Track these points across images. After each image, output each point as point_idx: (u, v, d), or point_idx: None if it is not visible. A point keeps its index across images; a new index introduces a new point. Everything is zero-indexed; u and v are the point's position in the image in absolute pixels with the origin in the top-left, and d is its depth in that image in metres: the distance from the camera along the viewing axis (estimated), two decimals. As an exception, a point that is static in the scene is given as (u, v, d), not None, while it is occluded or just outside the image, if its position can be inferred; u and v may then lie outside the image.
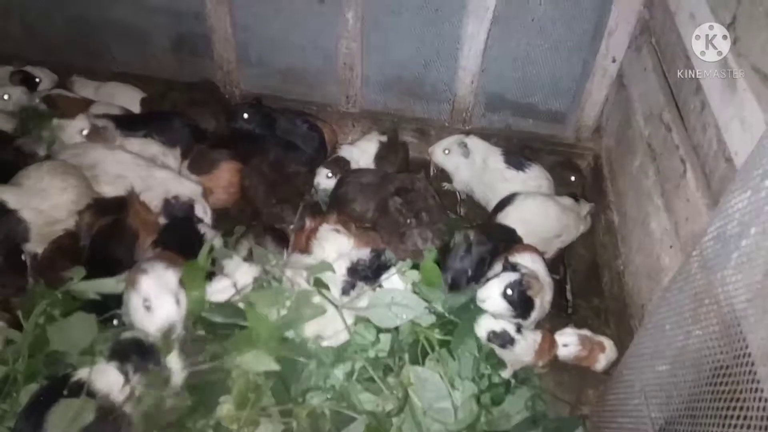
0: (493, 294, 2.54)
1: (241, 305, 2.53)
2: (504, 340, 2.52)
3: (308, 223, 2.94)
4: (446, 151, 3.71)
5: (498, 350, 2.54)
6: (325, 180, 3.57)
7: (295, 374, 2.36)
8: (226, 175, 3.48)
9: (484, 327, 2.54)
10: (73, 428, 2.03)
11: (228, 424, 2.25)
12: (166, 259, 2.50)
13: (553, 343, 2.68)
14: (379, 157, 3.77)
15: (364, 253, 2.67)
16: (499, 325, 2.53)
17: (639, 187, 3.03)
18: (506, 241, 2.97)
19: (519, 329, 2.55)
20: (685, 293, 1.99)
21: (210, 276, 2.60)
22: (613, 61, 3.55)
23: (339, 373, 2.37)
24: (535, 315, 2.66)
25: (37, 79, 3.97)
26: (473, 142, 3.70)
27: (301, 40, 3.87)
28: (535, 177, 3.56)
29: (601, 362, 2.77)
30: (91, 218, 2.84)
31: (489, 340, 2.52)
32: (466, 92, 3.81)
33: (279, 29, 3.84)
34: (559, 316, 3.10)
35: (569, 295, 3.32)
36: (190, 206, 3.19)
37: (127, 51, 4.18)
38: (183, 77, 4.12)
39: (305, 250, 2.86)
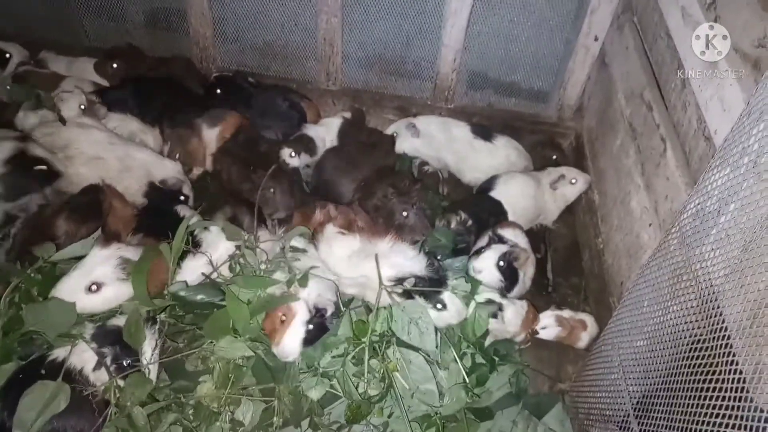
0: (489, 265, 2.63)
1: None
2: (493, 308, 2.55)
3: (318, 213, 2.87)
4: (395, 134, 3.67)
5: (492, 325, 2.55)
6: (289, 158, 3.52)
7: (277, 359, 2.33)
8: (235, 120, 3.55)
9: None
10: (46, 412, 1.99)
11: (208, 403, 2.23)
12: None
13: (536, 314, 2.71)
14: (343, 134, 3.71)
15: (420, 267, 2.50)
16: (488, 295, 2.56)
17: (620, 166, 3.04)
18: (493, 214, 3.00)
19: (504, 296, 2.60)
20: (664, 270, 2.00)
21: (185, 255, 2.57)
22: (596, 39, 3.54)
23: (327, 356, 2.34)
24: (517, 289, 2.69)
25: (8, 55, 3.83)
26: (424, 120, 3.71)
27: (280, 16, 3.79)
28: (503, 146, 3.59)
29: (584, 340, 2.81)
30: (70, 226, 2.71)
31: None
32: (448, 70, 3.78)
33: (257, 3, 3.76)
34: (540, 294, 3.12)
35: (550, 274, 3.34)
36: (179, 188, 3.14)
37: (100, 26, 4.06)
38: (158, 53, 4.01)
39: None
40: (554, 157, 3.74)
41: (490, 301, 2.56)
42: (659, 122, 2.64)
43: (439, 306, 2.47)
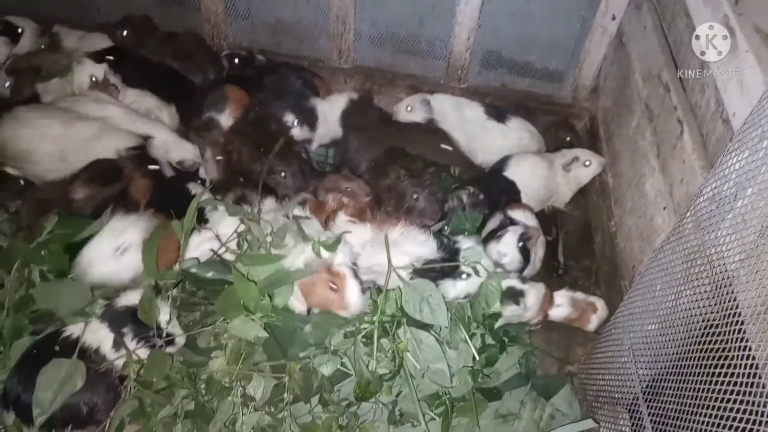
0: (512, 248, 2.68)
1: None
2: (516, 294, 2.56)
3: (331, 200, 2.87)
4: (408, 108, 3.63)
5: (506, 308, 2.56)
6: (292, 126, 3.46)
7: (291, 335, 2.35)
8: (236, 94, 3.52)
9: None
10: (63, 391, 2.02)
11: (220, 378, 2.26)
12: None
13: (552, 299, 2.71)
14: (347, 114, 3.63)
15: (432, 250, 2.53)
16: (509, 283, 2.57)
17: (635, 148, 3.00)
18: (507, 193, 3.01)
19: (524, 281, 2.61)
20: (678, 254, 1.99)
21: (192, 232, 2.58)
22: (613, 18, 3.47)
23: (339, 335, 2.36)
24: (528, 270, 2.69)
25: (20, 30, 3.82)
26: (438, 98, 3.65)
27: (292, -8, 3.76)
28: (516, 128, 3.54)
29: (593, 322, 2.80)
30: (90, 189, 2.77)
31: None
32: (462, 49, 3.73)
33: (270, -21, 3.72)
34: (551, 276, 3.11)
35: (561, 257, 3.33)
36: (196, 170, 3.15)
37: (112, 1, 4.03)
38: (169, 29, 3.97)
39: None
40: (568, 138, 3.70)
41: (511, 289, 2.56)
42: (676, 104, 2.60)
43: (463, 276, 2.50)
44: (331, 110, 3.61)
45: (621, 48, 3.43)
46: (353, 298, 2.31)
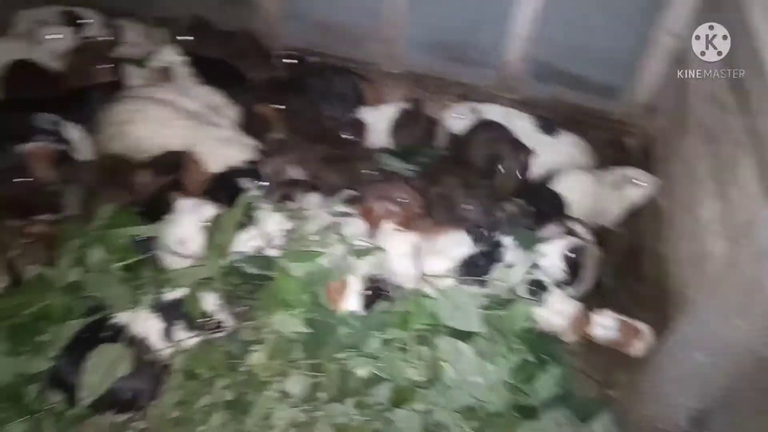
0: (556, 251, 2.64)
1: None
2: (538, 287, 2.57)
3: (376, 207, 2.87)
4: (458, 116, 3.58)
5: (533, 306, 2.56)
6: None
7: (328, 334, 2.37)
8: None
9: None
10: (110, 375, 2.08)
11: (259, 372, 2.29)
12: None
13: (587, 320, 2.66)
14: (398, 125, 3.64)
15: (470, 246, 2.60)
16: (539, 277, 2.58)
17: (691, 170, 2.91)
18: (554, 206, 3.00)
19: (558, 286, 2.61)
20: (733, 284, 1.93)
21: (243, 227, 2.62)
22: (674, 35, 3.38)
23: (376, 340, 2.36)
24: (578, 286, 2.66)
25: (85, 21, 3.96)
26: (488, 108, 3.60)
27: (347, -5, 3.79)
28: (567, 143, 3.48)
29: (637, 347, 2.72)
30: (149, 177, 2.92)
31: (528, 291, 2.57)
32: (514, 59, 3.69)
33: (326, -18, 3.77)
34: (595, 296, 3.04)
35: (606, 277, 3.25)
36: (255, 167, 3.15)
37: (173, -3, 4.14)
38: (225, 27, 4.06)
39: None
40: (619, 156, 3.61)
41: (537, 282, 2.56)
42: (737, 127, 2.51)
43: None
44: (381, 120, 3.63)
45: (681, 66, 3.34)
46: (347, 301, 2.42)
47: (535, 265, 2.65)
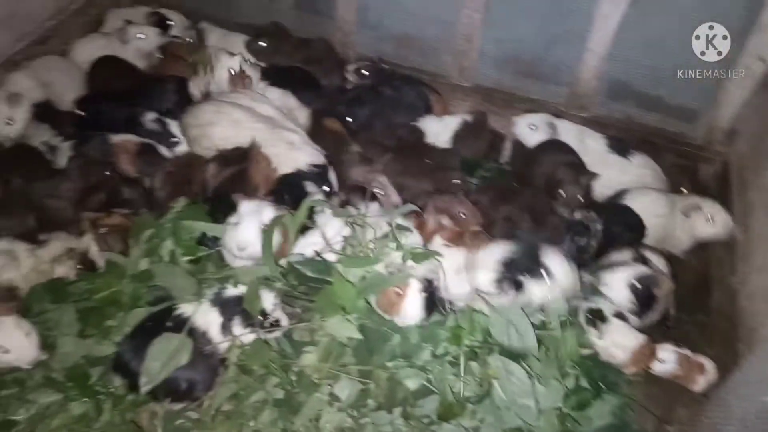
0: (620, 281, 2.55)
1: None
2: (598, 317, 2.49)
3: (431, 221, 2.82)
4: (533, 127, 3.52)
5: (590, 335, 2.49)
6: None
7: (380, 342, 2.37)
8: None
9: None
10: (170, 364, 2.16)
11: (310, 374, 2.33)
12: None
13: (652, 354, 2.55)
14: (459, 136, 3.60)
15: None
16: (600, 305, 2.50)
17: (771, 201, 2.76)
18: (630, 229, 2.91)
19: (621, 317, 2.51)
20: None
21: (305, 230, 2.69)
22: (761, 60, 3.22)
23: (427, 352, 2.35)
24: (649, 317, 2.56)
25: (170, 22, 4.18)
26: (563, 123, 3.53)
27: (422, 7, 3.80)
28: (639, 165, 3.36)
29: (700, 383, 2.59)
30: (216, 169, 3.01)
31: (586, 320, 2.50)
32: (589, 76, 3.61)
33: (402, -7, 3.80)
34: (659, 327, 2.92)
35: (671, 308, 3.10)
36: (324, 172, 3.19)
37: (252, 3, 4.29)
38: (302, 34, 4.17)
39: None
40: (684, 186, 3.45)
41: (595, 310, 2.48)
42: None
43: (543, 274, 2.45)
44: (444, 132, 3.62)
45: (765, 91, 3.17)
46: (410, 310, 2.35)
47: (597, 291, 2.57)
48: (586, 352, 2.51)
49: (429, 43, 3.97)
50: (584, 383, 2.37)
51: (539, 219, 2.99)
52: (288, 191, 2.91)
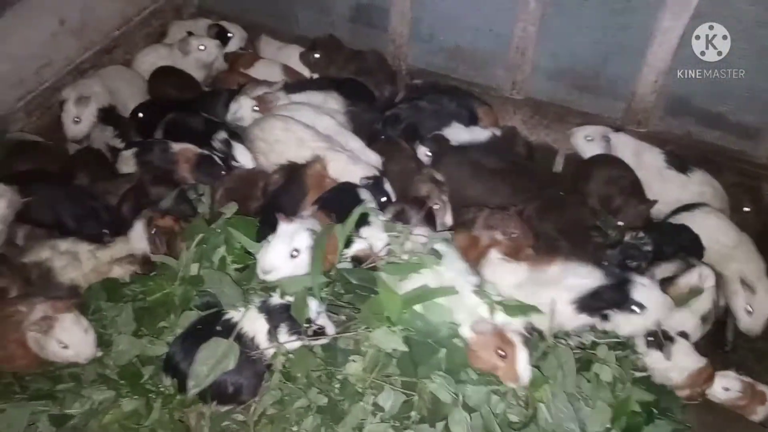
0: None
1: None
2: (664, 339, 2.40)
3: (485, 237, 2.78)
4: (588, 138, 3.47)
5: (649, 357, 2.42)
6: (424, 156, 3.47)
7: (425, 355, 2.35)
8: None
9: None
10: (217, 369, 2.20)
11: (354, 382, 2.33)
12: (312, 219, 2.67)
13: (710, 378, 2.44)
14: (487, 147, 3.52)
15: (597, 279, 2.44)
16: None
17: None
18: (688, 249, 2.84)
19: (684, 336, 2.47)
20: None
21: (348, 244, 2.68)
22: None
23: (473, 372, 2.32)
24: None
25: (230, 35, 4.32)
26: (621, 137, 3.45)
27: (475, 20, 3.81)
28: (698, 182, 3.26)
29: (759, 414, 2.48)
30: (280, 177, 3.14)
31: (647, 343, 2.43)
32: (647, 91, 3.52)
33: (456, 7, 3.81)
34: (716, 353, 2.80)
35: (729, 333, 2.97)
36: (378, 183, 3.21)
37: (310, 17, 4.39)
38: (355, 46, 4.24)
39: (470, 258, 2.70)
40: (747, 209, 3.30)
41: (661, 333, 2.40)
42: None
43: (635, 309, 2.36)
44: (470, 140, 3.57)
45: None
46: (524, 371, 2.19)
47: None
48: (638, 374, 2.43)
49: (481, 56, 3.96)
50: (636, 407, 2.28)
51: (583, 236, 2.92)
52: (340, 199, 2.92)
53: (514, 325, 2.25)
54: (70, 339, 2.43)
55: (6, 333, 2.49)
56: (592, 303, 2.39)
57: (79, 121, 3.61)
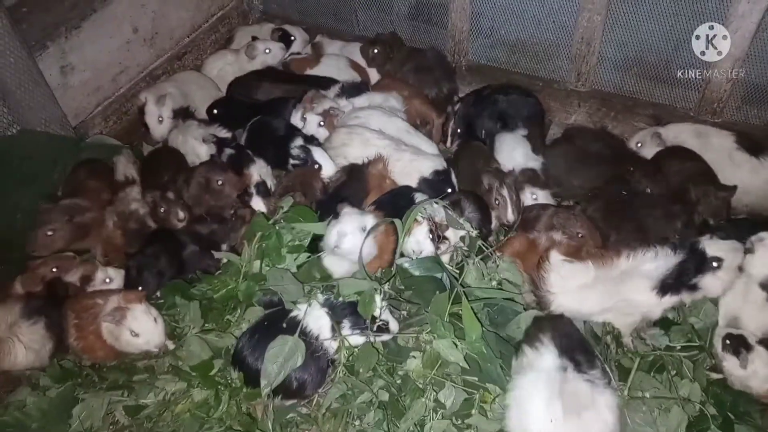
0: None
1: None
2: (742, 344, 2.29)
3: (544, 239, 2.73)
4: (638, 145, 3.36)
5: (726, 362, 2.31)
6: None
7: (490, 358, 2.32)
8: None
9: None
10: (286, 366, 2.25)
11: (415, 378, 2.34)
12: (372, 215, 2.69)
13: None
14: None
15: (672, 259, 2.42)
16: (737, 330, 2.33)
17: None
18: None
19: (765, 344, 2.31)
20: None
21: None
22: None
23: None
24: None
25: (292, 38, 4.41)
26: (672, 128, 3.33)
27: (537, 11, 3.73)
28: None
29: None
30: (342, 175, 3.20)
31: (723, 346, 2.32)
32: (722, 80, 3.33)
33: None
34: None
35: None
36: (446, 176, 3.23)
37: (370, 16, 4.43)
38: (415, 44, 4.24)
39: (529, 264, 2.67)
40: None
41: (736, 336, 2.30)
42: None
43: (715, 264, 2.37)
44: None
45: None
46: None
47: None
48: (715, 376, 2.31)
49: (544, 48, 3.87)
50: (711, 411, 2.17)
51: (649, 235, 2.78)
52: (395, 202, 2.92)
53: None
54: (141, 328, 2.55)
55: (85, 324, 2.65)
56: (676, 281, 2.35)
57: (162, 120, 3.79)
